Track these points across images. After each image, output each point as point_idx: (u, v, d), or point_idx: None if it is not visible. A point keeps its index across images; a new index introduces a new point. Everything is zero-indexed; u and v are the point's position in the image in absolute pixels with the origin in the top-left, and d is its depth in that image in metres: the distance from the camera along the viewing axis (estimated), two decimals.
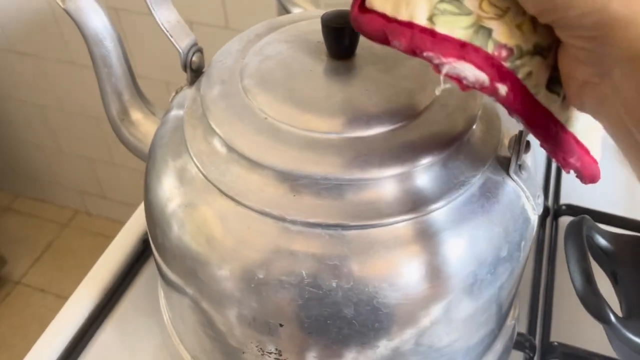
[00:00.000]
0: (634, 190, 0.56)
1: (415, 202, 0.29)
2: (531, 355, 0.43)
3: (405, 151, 0.29)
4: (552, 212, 0.54)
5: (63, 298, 1.32)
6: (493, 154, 0.32)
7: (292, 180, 0.29)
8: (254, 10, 0.89)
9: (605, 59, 0.23)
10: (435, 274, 0.29)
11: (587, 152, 0.30)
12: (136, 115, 0.39)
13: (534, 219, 0.34)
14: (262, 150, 0.30)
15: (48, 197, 1.52)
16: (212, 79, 0.35)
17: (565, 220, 0.53)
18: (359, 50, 0.34)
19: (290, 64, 0.34)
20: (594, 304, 0.33)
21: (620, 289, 0.37)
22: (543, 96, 0.27)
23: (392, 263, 0.28)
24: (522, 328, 0.45)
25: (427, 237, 0.29)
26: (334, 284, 0.28)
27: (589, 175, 0.31)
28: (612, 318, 0.33)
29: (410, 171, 0.29)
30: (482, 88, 0.26)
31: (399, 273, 0.28)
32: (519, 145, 0.31)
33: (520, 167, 0.33)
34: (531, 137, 0.29)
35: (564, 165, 0.30)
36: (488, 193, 0.31)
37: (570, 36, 0.24)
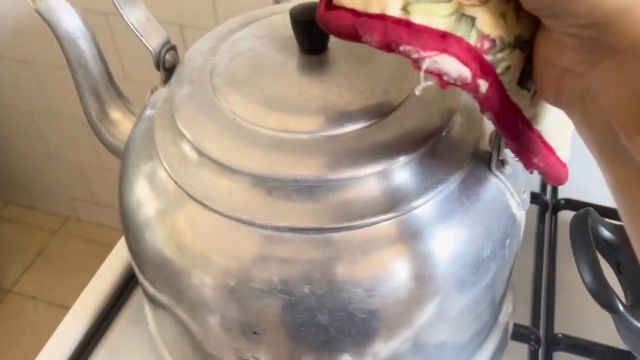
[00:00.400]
0: None
1: (390, 203, 0.28)
2: (536, 347, 0.43)
3: (379, 149, 0.28)
4: (550, 206, 0.54)
5: (55, 305, 1.31)
6: (473, 149, 0.31)
7: (262, 184, 0.28)
8: (245, 11, 0.88)
9: (599, 48, 0.21)
10: (414, 277, 0.28)
11: (552, 152, 0.29)
12: (115, 114, 0.38)
13: (520, 215, 0.33)
14: (231, 153, 0.29)
15: (38, 203, 1.51)
16: (182, 78, 0.33)
17: (564, 215, 0.53)
18: (331, 44, 0.33)
19: (261, 61, 0.33)
20: (602, 294, 0.34)
21: (625, 279, 0.37)
22: (514, 92, 0.25)
23: (366, 267, 0.27)
24: (526, 321, 0.45)
25: (403, 240, 0.27)
26: (307, 290, 0.27)
27: (553, 177, 0.30)
28: (621, 307, 0.33)
29: (384, 170, 0.28)
30: (463, 85, 0.23)
31: (374, 277, 0.27)
32: (499, 139, 0.30)
33: (502, 162, 0.31)
34: None
35: (527, 165, 0.28)
36: (468, 190, 0.29)
37: (561, 25, 0.22)
